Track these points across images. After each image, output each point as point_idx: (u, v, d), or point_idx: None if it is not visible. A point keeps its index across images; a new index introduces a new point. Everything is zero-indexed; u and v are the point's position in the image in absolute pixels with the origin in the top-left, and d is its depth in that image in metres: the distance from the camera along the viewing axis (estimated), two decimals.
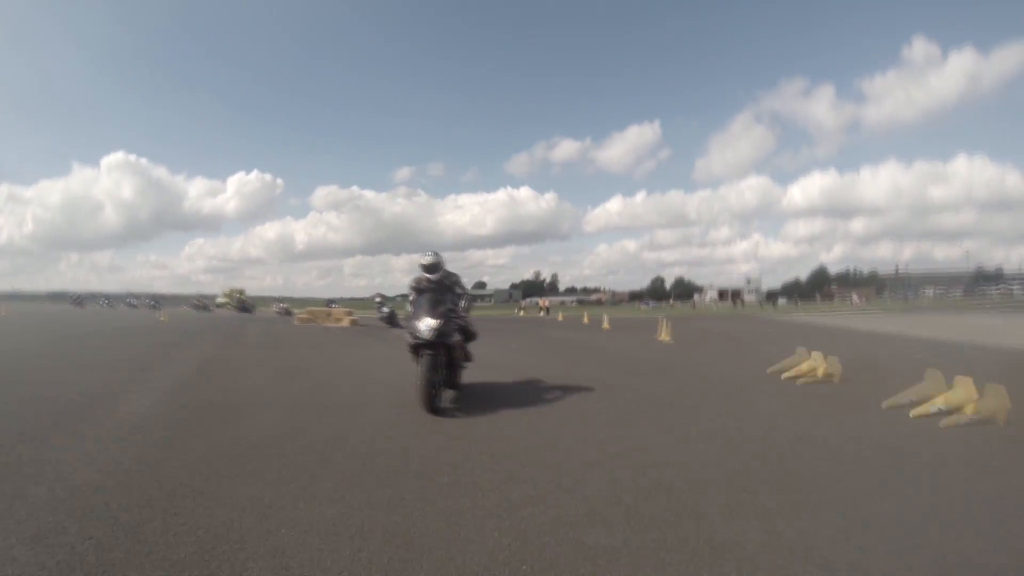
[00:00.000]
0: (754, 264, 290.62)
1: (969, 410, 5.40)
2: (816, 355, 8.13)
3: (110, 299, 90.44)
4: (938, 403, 5.65)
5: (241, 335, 18.65)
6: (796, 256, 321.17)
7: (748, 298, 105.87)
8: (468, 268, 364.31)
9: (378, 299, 25.23)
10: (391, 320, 20.92)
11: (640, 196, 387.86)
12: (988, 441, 4.79)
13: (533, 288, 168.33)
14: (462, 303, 6.41)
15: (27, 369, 9.68)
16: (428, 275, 6.26)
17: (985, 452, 4.48)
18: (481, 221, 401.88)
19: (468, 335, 6.51)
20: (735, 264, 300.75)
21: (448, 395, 6.22)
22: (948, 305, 52.20)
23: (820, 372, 7.85)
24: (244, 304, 58.11)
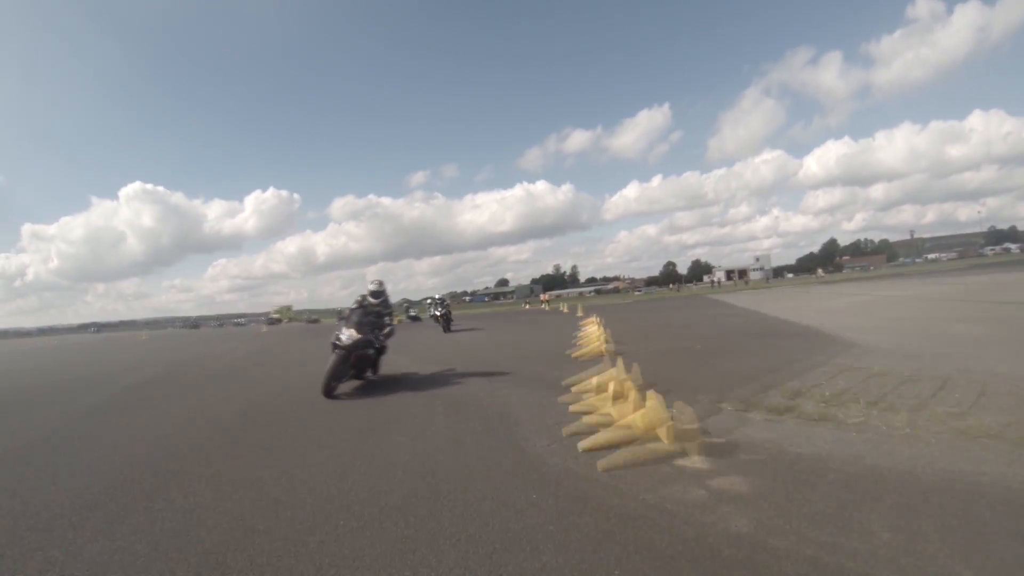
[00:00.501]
0: (776, 239, 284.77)
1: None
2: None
3: (221, 320, 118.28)
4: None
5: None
6: (817, 228, 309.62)
7: (753, 276, 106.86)
8: (490, 266, 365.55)
9: (405, 304, 31.47)
10: (415, 320, 26.39)
11: (656, 180, 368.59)
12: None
13: (554, 282, 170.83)
14: (387, 330, 7.68)
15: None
16: (372, 298, 7.59)
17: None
18: (500, 218, 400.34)
19: (380, 352, 7.76)
20: (757, 241, 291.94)
21: (351, 384, 7.34)
22: (931, 270, 53.54)
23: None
24: (311, 319, 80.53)
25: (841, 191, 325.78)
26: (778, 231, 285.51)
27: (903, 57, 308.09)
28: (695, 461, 3.39)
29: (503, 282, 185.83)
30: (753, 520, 2.58)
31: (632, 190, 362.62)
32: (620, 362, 5.03)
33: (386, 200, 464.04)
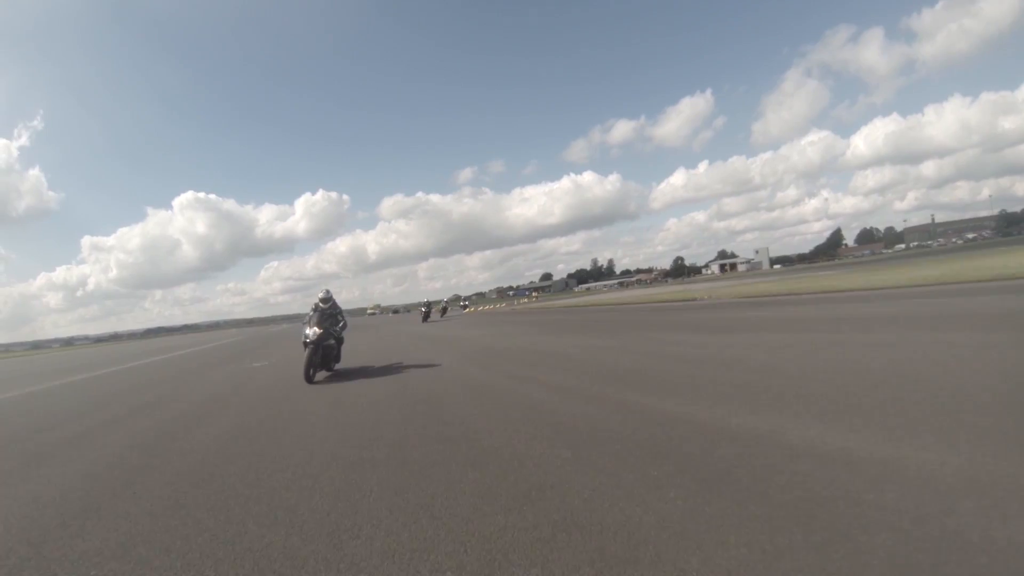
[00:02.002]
0: (826, 222, 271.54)
1: None
2: None
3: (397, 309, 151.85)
4: None
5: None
6: (869, 208, 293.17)
7: (740, 268, 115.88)
8: (540, 259, 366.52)
9: (443, 303, 45.97)
10: (426, 318, 34.77)
11: (702, 166, 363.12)
12: None
13: (590, 275, 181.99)
14: (340, 324, 9.79)
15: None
16: (322, 304, 9.66)
17: None
18: (549, 210, 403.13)
19: (339, 342, 9.82)
20: (807, 224, 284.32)
21: (322, 374, 9.43)
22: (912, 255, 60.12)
23: None
24: (396, 309, 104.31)
25: (891, 170, 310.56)
26: (828, 213, 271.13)
27: (946, 29, 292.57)
28: None
29: (547, 276, 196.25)
30: None
31: (679, 177, 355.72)
32: None
33: (435, 197, 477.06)
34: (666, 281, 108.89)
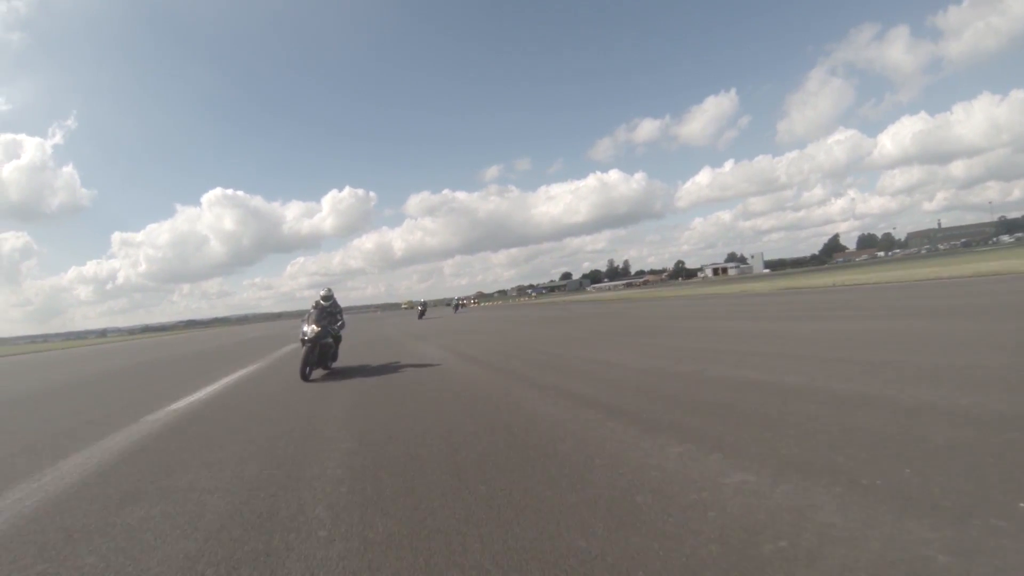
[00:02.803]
0: (853, 222, 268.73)
1: None
2: None
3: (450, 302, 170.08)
4: None
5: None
6: (897, 209, 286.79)
7: (732, 272, 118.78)
8: (566, 257, 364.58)
9: (455, 300, 52.32)
10: (423, 315, 38.80)
11: (728, 165, 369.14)
12: None
13: (607, 275, 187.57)
14: (339, 323, 9.78)
15: None
16: (323, 302, 9.67)
17: None
18: (575, 209, 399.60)
19: (336, 341, 9.87)
20: (834, 224, 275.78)
21: (319, 372, 9.30)
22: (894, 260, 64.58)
23: None
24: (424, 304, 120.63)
25: (919, 170, 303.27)
26: (855, 213, 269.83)
27: (973, 27, 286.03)
28: None
29: (567, 275, 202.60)
30: None
31: (704, 176, 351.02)
32: None
33: (461, 194, 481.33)
34: (676, 281, 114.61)
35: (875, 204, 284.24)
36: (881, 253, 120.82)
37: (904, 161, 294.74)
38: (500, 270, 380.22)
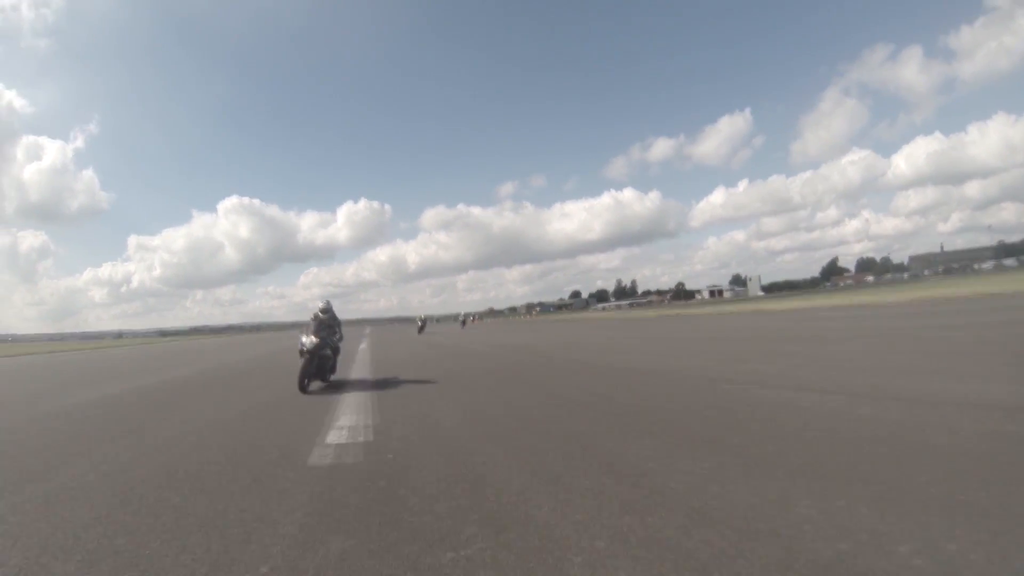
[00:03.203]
0: (867, 243, 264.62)
1: None
2: None
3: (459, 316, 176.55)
4: None
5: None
6: (911, 230, 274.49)
7: (727, 295, 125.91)
8: (580, 274, 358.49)
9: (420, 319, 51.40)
10: (422, 329, 40.74)
11: (742, 185, 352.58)
12: None
13: (614, 294, 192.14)
14: (337, 335, 9.81)
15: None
16: (322, 314, 9.65)
17: None
18: (589, 226, 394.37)
19: (335, 352, 9.86)
20: (847, 245, 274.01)
21: (317, 384, 9.45)
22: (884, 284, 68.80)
23: None
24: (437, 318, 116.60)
25: (933, 191, 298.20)
26: (869, 234, 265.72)
27: (986, 47, 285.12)
28: None
29: (576, 294, 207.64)
30: None
31: (718, 196, 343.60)
32: None
33: (476, 210, 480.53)
34: (679, 302, 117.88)
35: (889, 225, 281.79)
36: (870, 278, 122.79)
37: (918, 182, 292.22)
38: (513, 286, 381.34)
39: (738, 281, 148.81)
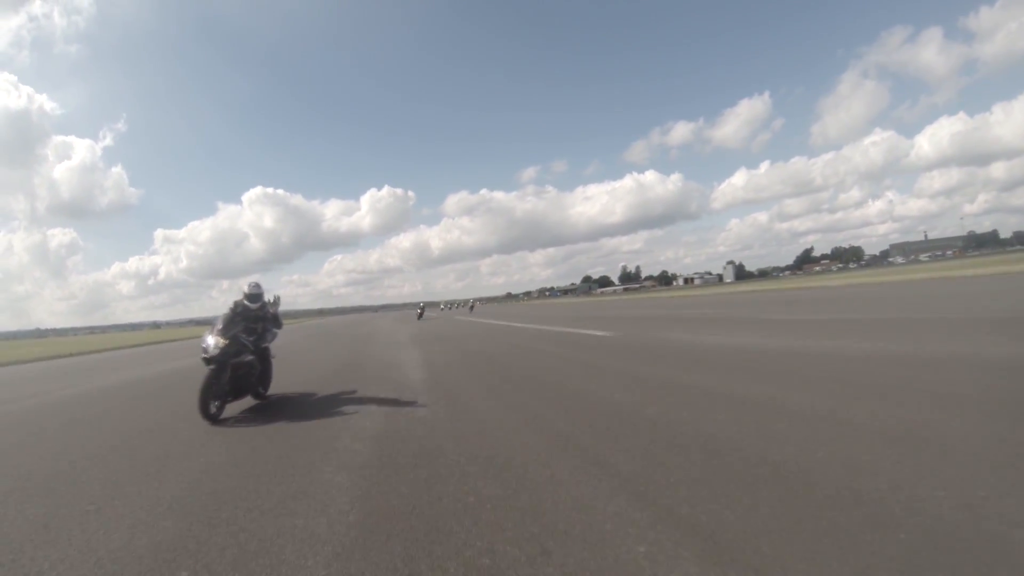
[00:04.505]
0: (891, 224, 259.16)
1: None
2: None
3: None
4: None
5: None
6: (936, 211, 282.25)
7: (697, 282, 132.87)
8: (602, 257, 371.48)
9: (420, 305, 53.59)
10: (421, 315, 38.47)
11: (764, 167, 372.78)
12: None
13: (620, 279, 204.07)
14: (270, 333, 6.30)
15: None
16: (248, 302, 5.89)
17: None
18: (611, 209, 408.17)
19: (264, 359, 6.22)
20: (871, 226, 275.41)
21: (245, 403, 5.94)
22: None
23: None
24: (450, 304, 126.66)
25: (958, 172, 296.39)
26: (893, 215, 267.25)
27: (1005, 28, 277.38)
28: None
29: (587, 279, 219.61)
30: None
31: (740, 178, 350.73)
32: None
33: (499, 194, 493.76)
34: (664, 287, 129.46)
35: (914, 206, 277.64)
36: (837, 266, 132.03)
37: (942, 163, 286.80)
38: (537, 269, 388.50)
39: (732, 267, 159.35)
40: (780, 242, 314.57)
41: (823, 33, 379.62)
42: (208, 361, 5.37)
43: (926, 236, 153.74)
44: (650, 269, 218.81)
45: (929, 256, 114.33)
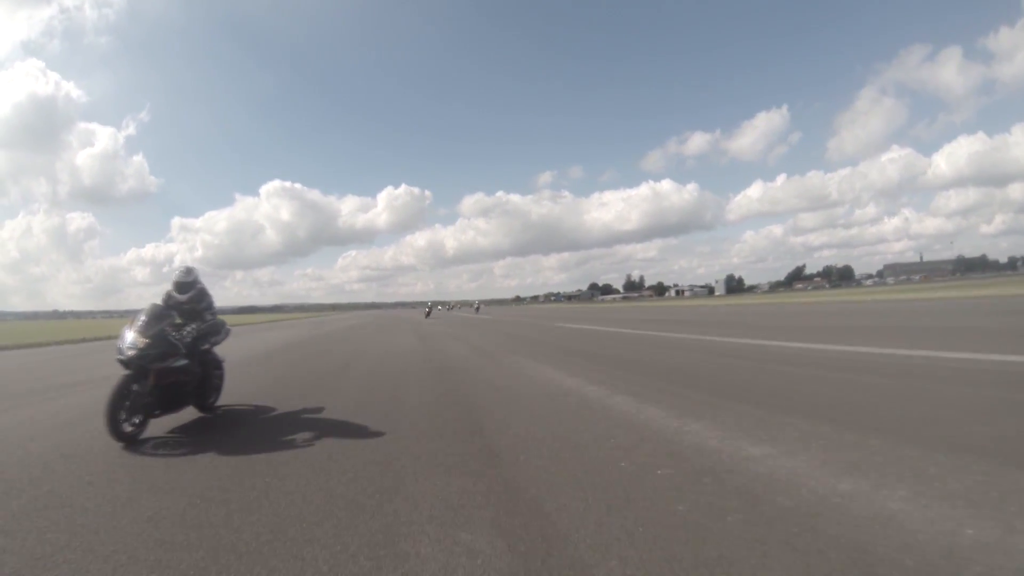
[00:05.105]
0: (907, 242, 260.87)
1: None
2: None
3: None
4: None
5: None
6: (952, 230, 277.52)
7: (687, 294, 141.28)
8: (617, 263, 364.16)
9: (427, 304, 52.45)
10: (428, 314, 41.80)
11: (780, 180, 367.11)
12: None
13: (625, 287, 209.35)
14: (212, 333, 4.96)
15: None
16: (177, 293, 4.66)
17: None
18: (626, 216, 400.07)
19: (203, 363, 4.77)
20: (887, 243, 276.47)
21: (169, 420, 4.48)
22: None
23: None
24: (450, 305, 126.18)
25: (975, 191, 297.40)
26: (909, 233, 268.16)
27: None
28: None
29: (594, 285, 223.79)
30: None
31: (756, 190, 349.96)
32: None
33: (515, 197, 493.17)
34: (658, 297, 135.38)
35: (930, 224, 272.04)
36: (826, 284, 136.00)
37: (959, 182, 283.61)
38: (550, 273, 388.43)
39: (731, 281, 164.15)
40: (794, 256, 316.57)
41: (842, 49, 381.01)
42: (124, 364, 4.07)
43: (921, 257, 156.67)
44: (663, 277, 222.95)
45: (894, 279, 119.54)
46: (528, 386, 5.86)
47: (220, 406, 5.35)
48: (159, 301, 4.73)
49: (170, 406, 4.42)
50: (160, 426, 4.42)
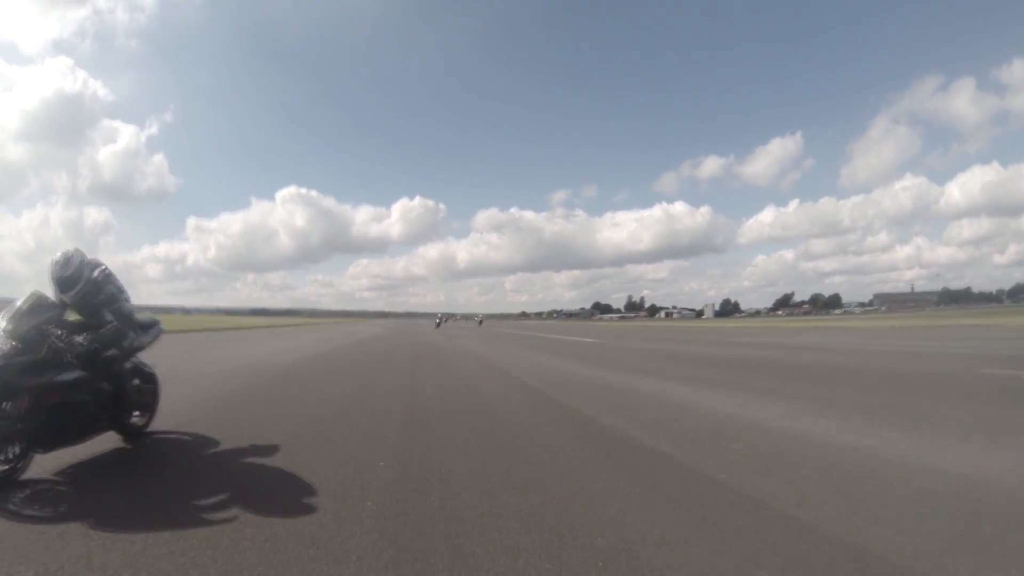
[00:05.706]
0: (919, 270, 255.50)
1: None
2: None
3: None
4: None
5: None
6: (965, 260, 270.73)
7: (675, 316, 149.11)
8: (627, 283, 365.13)
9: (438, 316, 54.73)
10: (439, 325, 45.12)
11: (792, 205, 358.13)
12: None
13: (627, 307, 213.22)
14: (148, 332, 3.92)
15: None
16: (60, 290, 3.37)
17: None
18: (638, 237, 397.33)
19: (117, 379, 3.58)
20: (899, 271, 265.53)
21: (76, 449, 3.33)
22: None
23: None
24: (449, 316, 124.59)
25: (988, 221, 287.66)
26: (921, 261, 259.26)
27: None
28: None
29: (597, 304, 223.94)
30: None
31: (768, 215, 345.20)
32: None
33: (528, 214, 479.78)
34: (649, 318, 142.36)
35: (942, 253, 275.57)
36: (809, 311, 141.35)
37: (972, 212, 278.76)
38: (561, 290, 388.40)
39: (727, 304, 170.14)
40: (805, 281, 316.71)
41: (856, 78, 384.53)
42: None
43: (912, 288, 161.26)
44: (674, 299, 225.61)
45: (861, 310, 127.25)
46: (456, 352, 13.57)
47: (151, 432, 4.10)
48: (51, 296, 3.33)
49: (62, 436, 3.11)
50: (57, 459, 3.21)
